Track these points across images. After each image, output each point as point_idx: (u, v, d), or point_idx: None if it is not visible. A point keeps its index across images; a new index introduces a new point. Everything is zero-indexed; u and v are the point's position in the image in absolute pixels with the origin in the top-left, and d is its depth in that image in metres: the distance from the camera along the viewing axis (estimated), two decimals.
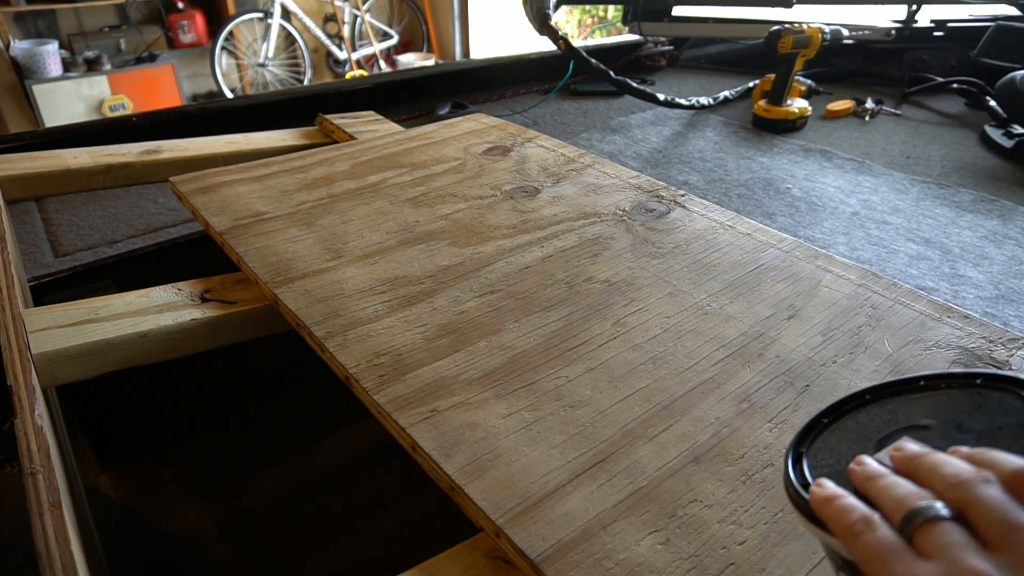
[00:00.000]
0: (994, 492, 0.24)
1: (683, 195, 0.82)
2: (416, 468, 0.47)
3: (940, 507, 0.24)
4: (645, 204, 0.80)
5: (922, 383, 0.31)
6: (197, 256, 0.94)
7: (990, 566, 0.22)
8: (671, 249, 0.70)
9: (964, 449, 0.26)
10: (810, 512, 0.27)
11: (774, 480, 0.44)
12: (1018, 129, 1.37)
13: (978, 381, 0.30)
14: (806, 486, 0.28)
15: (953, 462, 0.25)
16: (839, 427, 0.31)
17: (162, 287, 0.67)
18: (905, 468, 0.27)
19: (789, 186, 1.18)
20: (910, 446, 0.28)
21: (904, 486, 0.26)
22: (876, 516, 0.25)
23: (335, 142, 1.05)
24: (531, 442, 0.47)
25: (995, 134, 1.40)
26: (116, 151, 0.94)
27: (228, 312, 0.64)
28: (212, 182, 0.84)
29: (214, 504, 0.84)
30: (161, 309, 0.63)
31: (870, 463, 0.28)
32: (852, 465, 0.28)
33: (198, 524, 0.81)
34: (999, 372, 0.30)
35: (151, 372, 0.66)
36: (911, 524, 0.24)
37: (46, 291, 0.83)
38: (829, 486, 0.27)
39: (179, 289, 0.67)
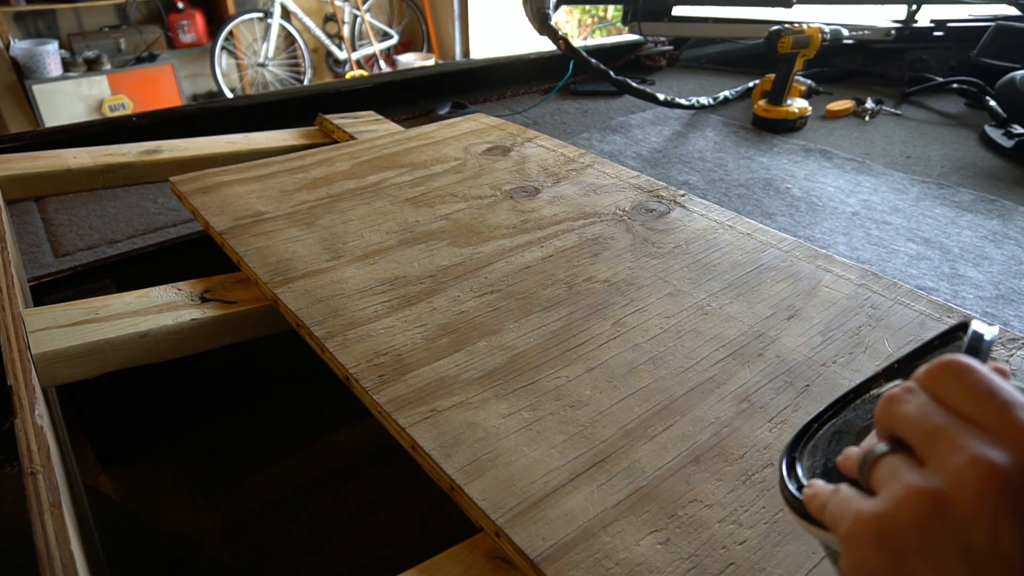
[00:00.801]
0: (912, 404, 0.24)
1: (683, 195, 0.82)
2: (416, 468, 0.47)
3: (882, 445, 0.25)
4: (645, 204, 0.80)
5: (896, 366, 0.31)
6: (197, 256, 0.94)
7: (920, 477, 0.22)
8: (671, 249, 0.70)
9: None
10: (803, 512, 0.28)
11: (774, 480, 0.44)
12: (1018, 129, 1.37)
13: (935, 343, 0.30)
14: (800, 488, 0.29)
15: (887, 393, 0.25)
16: (828, 429, 0.32)
17: (162, 287, 0.67)
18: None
19: (789, 186, 1.18)
20: None
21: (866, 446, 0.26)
22: (844, 484, 0.26)
23: (335, 142, 1.05)
24: (531, 442, 0.47)
25: (995, 134, 1.40)
26: (116, 151, 0.94)
27: (228, 312, 0.64)
28: (212, 182, 0.84)
29: (214, 504, 0.84)
30: (161, 309, 0.63)
31: (852, 451, 0.28)
32: (839, 459, 0.28)
33: (198, 524, 0.81)
34: (949, 327, 0.30)
35: (151, 372, 0.66)
36: (864, 470, 0.25)
37: (46, 291, 0.83)
38: (817, 483, 0.28)
39: (179, 289, 0.67)
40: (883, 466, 0.24)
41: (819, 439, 0.31)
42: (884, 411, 0.25)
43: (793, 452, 0.31)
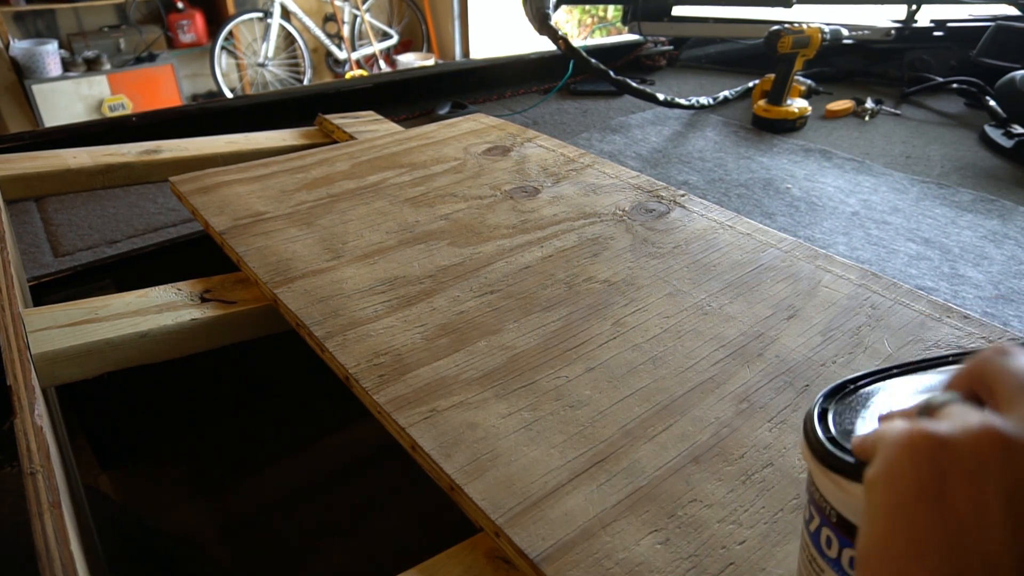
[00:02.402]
0: (1008, 360, 0.24)
1: (683, 195, 0.82)
2: (416, 468, 0.47)
3: (952, 394, 0.25)
4: (645, 204, 0.80)
5: (951, 359, 0.32)
6: (197, 256, 0.94)
7: (999, 419, 0.22)
8: (671, 249, 0.70)
9: None
10: (825, 455, 0.28)
11: (774, 480, 0.44)
12: (1018, 129, 1.37)
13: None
14: (830, 437, 0.29)
15: (996, 345, 0.26)
16: (863, 393, 0.32)
17: (162, 287, 0.67)
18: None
19: (789, 186, 1.18)
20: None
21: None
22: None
23: (335, 142, 1.05)
24: (531, 442, 0.47)
25: (995, 134, 1.40)
26: (116, 151, 0.94)
27: (228, 312, 0.64)
28: (212, 182, 0.84)
29: (213, 504, 0.84)
30: (161, 309, 0.63)
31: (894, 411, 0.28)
32: (883, 416, 0.28)
33: (197, 524, 0.81)
34: None
35: (151, 372, 0.66)
36: (926, 412, 0.25)
37: (46, 291, 0.83)
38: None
39: (179, 289, 0.67)
40: (955, 409, 0.24)
41: (853, 400, 0.31)
42: (987, 360, 0.25)
43: (827, 402, 0.31)
